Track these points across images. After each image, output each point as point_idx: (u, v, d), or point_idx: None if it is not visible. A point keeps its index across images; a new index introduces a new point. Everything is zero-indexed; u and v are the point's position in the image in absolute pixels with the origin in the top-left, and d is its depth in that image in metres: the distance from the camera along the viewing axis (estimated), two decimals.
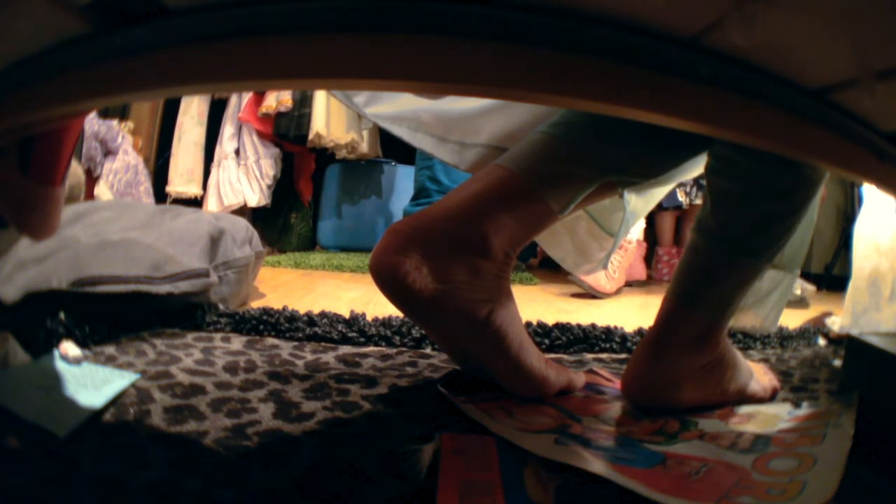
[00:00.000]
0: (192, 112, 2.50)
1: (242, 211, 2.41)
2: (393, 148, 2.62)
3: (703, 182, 0.49)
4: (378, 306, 0.97)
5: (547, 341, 0.73)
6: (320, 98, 2.26)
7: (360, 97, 0.61)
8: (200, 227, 0.84)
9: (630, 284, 1.77)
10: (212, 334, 0.67)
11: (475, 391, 0.50)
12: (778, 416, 0.46)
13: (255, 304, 0.92)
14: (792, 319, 0.97)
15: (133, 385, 0.47)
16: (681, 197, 2.02)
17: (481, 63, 0.21)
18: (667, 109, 0.23)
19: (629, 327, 0.81)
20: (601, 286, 1.43)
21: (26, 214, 0.45)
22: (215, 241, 0.86)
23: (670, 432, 0.43)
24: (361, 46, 0.21)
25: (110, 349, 0.57)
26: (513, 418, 0.43)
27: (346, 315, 0.76)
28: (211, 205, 2.42)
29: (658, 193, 0.62)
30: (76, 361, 0.50)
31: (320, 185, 2.67)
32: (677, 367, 0.47)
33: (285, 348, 0.64)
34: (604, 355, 0.71)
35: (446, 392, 0.48)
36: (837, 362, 0.70)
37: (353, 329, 0.71)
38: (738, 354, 0.51)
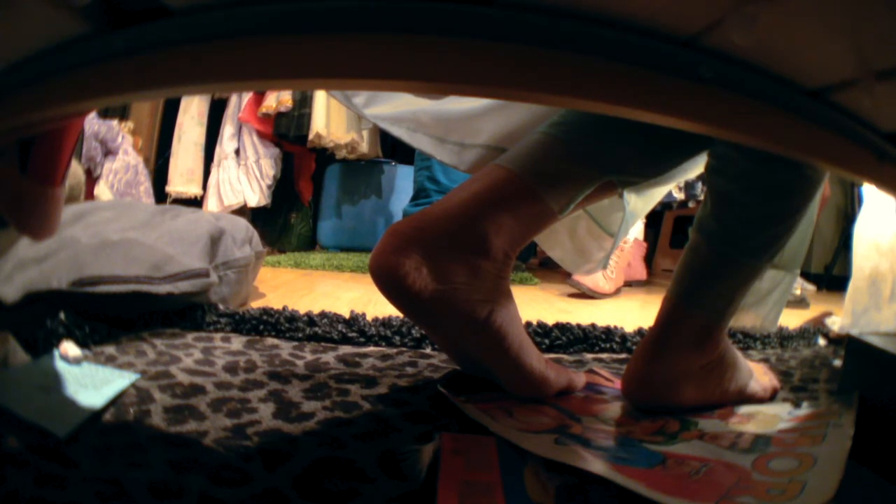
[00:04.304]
0: (192, 112, 2.50)
1: (242, 211, 2.41)
2: (393, 148, 2.62)
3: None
4: (378, 306, 0.97)
5: (547, 341, 0.73)
6: (320, 98, 2.26)
7: (360, 98, 0.61)
8: (200, 227, 0.84)
9: (630, 284, 1.77)
10: (212, 334, 0.67)
11: (475, 391, 0.50)
12: (778, 416, 0.46)
13: (255, 304, 0.92)
14: (792, 319, 0.97)
15: (133, 385, 0.47)
16: (675, 193, 2.02)
17: (481, 63, 0.21)
18: (667, 109, 0.23)
19: (629, 327, 0.81)
20: (600, 287, 1.43)
21: (26, 214, 0.45)
22: (215, 241, 0.86)
23: (670, 432, 0.43)
24: (361, 46, 0.21)
25: (110, 349, 0.57)
26: (513, 418, 0.43)
27: (346, 315, 0.76)
28: (211, 205, 2.42)
29: (658, 193, 0.62)
30: (76, 361, 0.50)
31: (320, 185, 2.67)
32: (677, 367, 0.47)
33: (285, 348, 0.64)
34: (604, 355, 0.71)
35: (446, 392, 0.48)
36: (837, 362, 0.70)
37: (353, 329, 0.71)
38: (739, 354, 0.51)
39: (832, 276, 2.22)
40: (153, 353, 0.57)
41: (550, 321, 0.80)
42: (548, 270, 2.21)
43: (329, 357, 0.61)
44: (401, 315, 0.67)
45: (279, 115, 2.31)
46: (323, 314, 0.76)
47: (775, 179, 0.45)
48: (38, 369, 0.48)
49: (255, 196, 2.44)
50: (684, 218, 2.42)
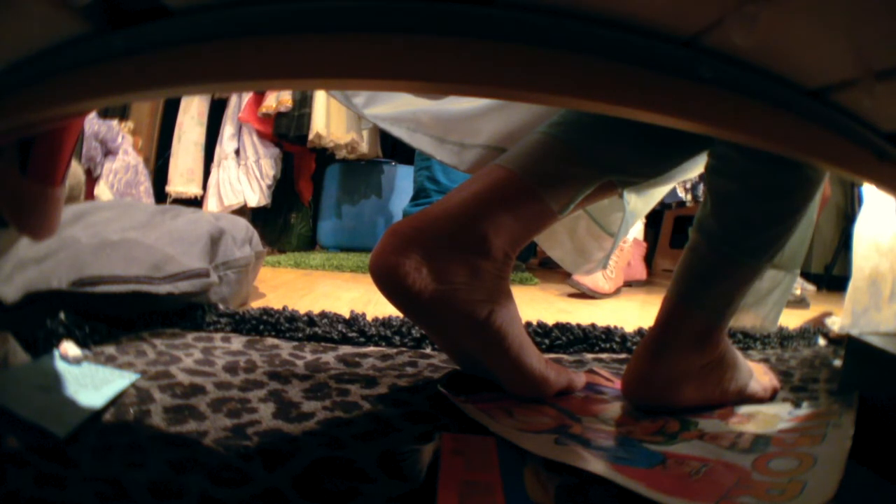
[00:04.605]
0: (192, 112, 2.50)
1: (242, 211, 2.41)
2: (393, 148, 2.62)
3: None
4: (378, 306, 0.97)
5: (547, 341, 0.73)
6: (320, 98, 2.26)
7: (360, 98, 0.61)
8: (200, 227, 0.84)
9: (630, 284, 1.77)
10: (212, 334, 0.67)
11: (475, 391, 0.50)
12: (778, 416, 0.46)
13: (255, 304, 0.92)
14: (792, 319, 0.97)
15: (133, 385, 0.47)
16: (681, 192, 2.03)
17: (481, 63, 0.21)
18: (667, 109, 0.23)
19: (629, 327, 0.81)
20: (600, 287, 1.43)
21: (26, 214, 0.45)
22: (215, 241, 0.86)
23: (670, 432, 0.43)
24: (361, 46, 0.21)
25: (110, 349, 0.57)
26: (513, 418, 0.43)
27: (346, 315, 0.76)
28: (211, 205, 2.42)
29: (658, 193, 0.62)
30: (76, 361, 0.50)
31: (320, 185, 2.67)
32: (677, 367, 0.47)
33: (285, 348, 0.64)
34: (604, 355, 0.71)
35: (446, 392, 0.48)
36: (837, 362, 0.70)
37: (353, 329, 0.71)
38: (738, 354, 0.51)
39: (832, 276, 2.22)
40: (153, 353, 0.57)
41: (550, 321, 0.80)
42: (548, 270, 2.21)
43: (329, 357, 0.61)
44: (401, 315, 0.67)
45: (279, 115, 2.32)
46: (323, 314, 0.76)
47: (775, 179, 0.45)
48: (38, 369, 0.48)
49: (255, 196, 2.44)
50: (684, 218, 2.42)
